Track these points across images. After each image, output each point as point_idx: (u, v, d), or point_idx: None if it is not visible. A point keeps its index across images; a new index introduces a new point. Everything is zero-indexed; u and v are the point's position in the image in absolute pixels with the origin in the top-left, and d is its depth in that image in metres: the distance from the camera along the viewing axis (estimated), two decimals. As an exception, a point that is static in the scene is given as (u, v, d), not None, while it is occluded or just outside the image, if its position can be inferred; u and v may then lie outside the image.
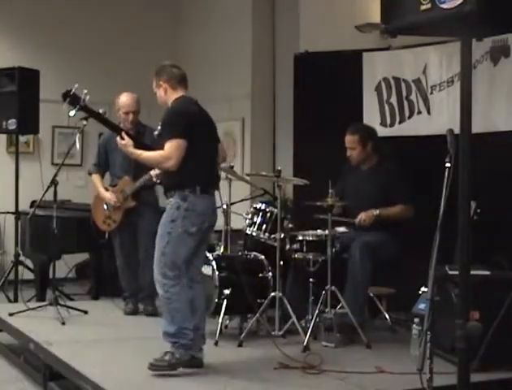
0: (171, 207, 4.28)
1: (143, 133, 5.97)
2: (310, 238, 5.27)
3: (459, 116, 3.08)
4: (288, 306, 5.07)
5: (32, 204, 7.20)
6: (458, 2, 2.75)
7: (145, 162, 4.55)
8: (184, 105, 4.39)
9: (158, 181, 5.81)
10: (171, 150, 4.20)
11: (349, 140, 5.62)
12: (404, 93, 6.47)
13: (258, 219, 5.45)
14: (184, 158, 4.20)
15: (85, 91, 4.57)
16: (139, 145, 4.58)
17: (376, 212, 5.40)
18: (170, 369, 4.16)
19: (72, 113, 4.64)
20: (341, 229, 5.51)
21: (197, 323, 4.31)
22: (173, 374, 4.16)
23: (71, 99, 4.56)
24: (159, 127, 4.41)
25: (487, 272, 4.57)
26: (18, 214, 7.01)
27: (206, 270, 5.23)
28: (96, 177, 6.13)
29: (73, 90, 4.56)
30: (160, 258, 4.26)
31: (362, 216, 5.41)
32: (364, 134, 5.61)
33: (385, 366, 4.40)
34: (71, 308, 5.85)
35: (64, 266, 7.65)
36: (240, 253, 5.59)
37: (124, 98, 5.93)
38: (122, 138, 4.49)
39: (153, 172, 5.68)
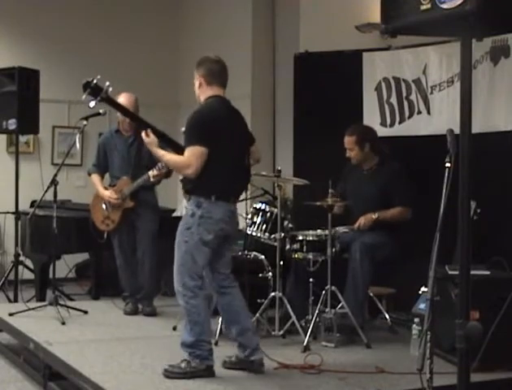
0: (187, 214, 4.22)
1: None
2: (310, 238, 5.28)
3: (459, 116, 3.08)
4: (288, 306, 5.08)
5: (32, 204, 7.20)
6: (458, 2, 2.75)
7: (167, 165, 4.42)
8: (212, 107, 4.26)
9: (156, 181, 5.84)
10: (190, 158, 4.10)
11: (347, 141, 5.63)
12: (404, 93, 6.47)
13: (258, 219, 5.45)
14: (203, 165, 4.12)
15: (108, 83, 4.43)
16: (168, 142, 4.40)
17: (375, 216, 5.42)
18: (184, 377, 4.11)
19: (92, 104, 4.50)
20: (342, 229, 5.52)
21: (242, 325, 4.29)
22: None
23: (93, 90, 4.40)
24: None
25: (487, 272, 4.58)
26: (18, 214, 7.00)
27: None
28: (95, 177, 6.12)
29: (95, 81, 4.41)
30: (179, 269, 4.20)
31: (362, 221, 5.43)
32: (361, 135, 5.61)
33: (385, 366, 4.40)
34: (71, 308, 5.85)
35: (64, 266, 7.67)
36: (240, 253, 5.59)
37: (122, 99, 5.88)
38: (147, 135, 4.33)
39: (151, 173, 5.71)
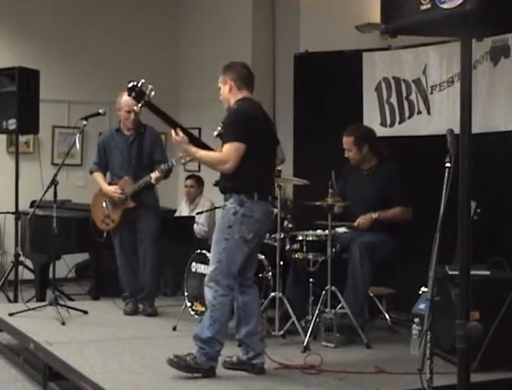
0: (227, 212, 4.19)
1: (143, 132, 5.98)
2: (310, 238, 5.28)
3: (459, 116, 3.08)
4: (288, 306, 5.08)
5: (32, 204, 7.19)
6: (458, 2, 2.75)
7: (200, 161, 4.40)
8: (246, 107, 4.30)
9: (156, 183, 5.84)
10: (229, 153, 4.11)
11: (345, 141, 5.63)
12: (404, 93, 6.47)
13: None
14: (243, 162, 4.12)
15: (151, 86, 4.40)
16: (196, 142, 4.38)
17: (375, 215, 5.42)
18: (187, 370, 4.12)
19: (136, 108, 4.52)
20: (341, 229, 5.52)
21: (253, 328, 4.30)
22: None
23: (137, 94, 4.40)
24: (219, 128, 4.31)
25: (487, 272, 4.58)
26: (18, 214, 7.00)
27: (207, 270, 5.22)
28: (98, 175, 6.10)
29: (139, 85, 4.41)
30: (216, 265, 4.19)
31: (361, 220, 5.43)
32: (359, 136, 5.59)
33: (385, 366, 4.40)
34: (71, 308, 5.85)
35: (64, 266, 7.67)
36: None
37: (126, 97, 5.87)
38: (176, 133, 4.28)
39: (153, 175, 5.70)
